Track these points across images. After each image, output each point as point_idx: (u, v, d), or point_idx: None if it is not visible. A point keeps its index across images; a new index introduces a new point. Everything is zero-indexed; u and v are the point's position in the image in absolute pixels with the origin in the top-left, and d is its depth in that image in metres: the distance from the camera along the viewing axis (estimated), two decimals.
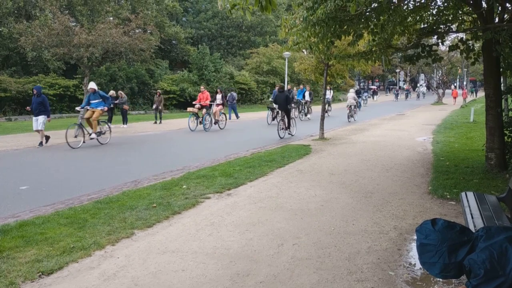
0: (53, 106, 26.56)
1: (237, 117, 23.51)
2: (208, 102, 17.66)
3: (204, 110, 17.36)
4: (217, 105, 18.38)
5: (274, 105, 17.37)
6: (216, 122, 17.85)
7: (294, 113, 19.84)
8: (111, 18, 27.10)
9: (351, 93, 22.01)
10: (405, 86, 59.09)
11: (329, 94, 24.83)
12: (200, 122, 16.90)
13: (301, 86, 24.90)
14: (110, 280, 3.60)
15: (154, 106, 21.47)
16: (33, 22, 20.93)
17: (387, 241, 4.44)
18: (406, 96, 50.93)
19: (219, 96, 19.17)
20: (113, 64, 25.03)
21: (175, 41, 40.30)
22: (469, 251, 2.60)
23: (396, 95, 49.67)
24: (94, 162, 9.99)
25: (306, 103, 23.64)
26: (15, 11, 28.16)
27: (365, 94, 39.18)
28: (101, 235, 4.59)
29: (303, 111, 23.41)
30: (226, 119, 18.70)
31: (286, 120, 14.52)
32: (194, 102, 18.31)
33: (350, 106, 21.24)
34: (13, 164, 9.66)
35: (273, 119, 18.85)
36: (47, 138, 12.22)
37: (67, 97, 27.27)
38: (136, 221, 5.09)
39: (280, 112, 15.52)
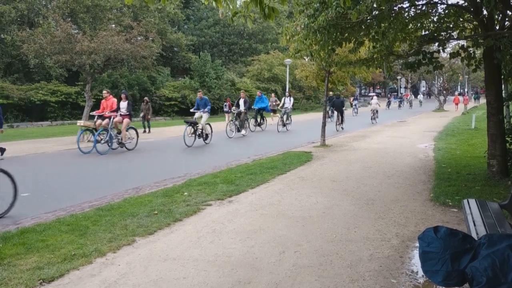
0: (55, 113, 26.74)
1: None
2: (111, 112, 12.72)
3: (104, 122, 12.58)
4: (122, 116, 12.84)
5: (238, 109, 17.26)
6: (120, 142, 12.71)
7: (247, 123, 18.38)
8: (113, 25, 27.29)
9: (375, 99, 26.58)
10: (406, 94, 55.61)
11: (288, 103, 20.58)
12: (99, 141, 12.29)
13: (258, 93, 21.08)
14: (111, 287, 3.59)
15: (141, 115, 20.22)
16: (36, 29, 21.07)
17: (389, 249, 4.43)
18: (399, 105, 46.89)
19: (124, 104, 13.24)
20: (115, 71, 25.12)
21: (177, 48, 40.48)
22: (471, 259, 2.59)
23: (388, 104, 45.71)
24: (95, 169, 9.99)
25: (285, 112, 20.12)
26: (18, 19, 28.35)
27: (355, 102, 34.96)
28: (102, 242, 4.58)
29: (280, 121, 19.72)
30: (137, 136, 13.58)
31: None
32: (96, 113, 12.99)
33: (373, 110, 25.21)
34: (14, 171, 9.64)
35: (195, 135, 14.22)
36: (2, 150, 10.46)
37: (68, 104, 27.42)
38: (138, 228, 5.08)
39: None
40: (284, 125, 19.78)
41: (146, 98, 21.26)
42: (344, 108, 21.07)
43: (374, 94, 39.26)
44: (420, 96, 53.33)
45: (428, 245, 2.78)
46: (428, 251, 2.74)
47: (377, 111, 25.58)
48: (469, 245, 2.70)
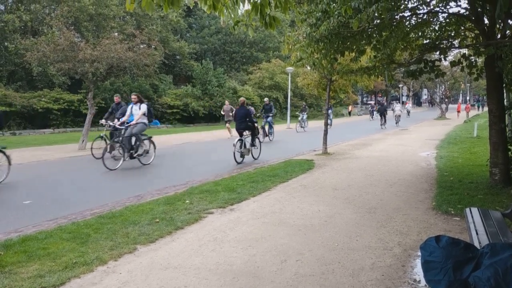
0: (57, 121, 26.83)
1: None
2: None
3: None
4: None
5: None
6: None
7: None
8: (116, 33, 27.38)
9: (398, 106, 32.53)
10: (405, 102, 52.68)
11: (270, 112, 20.02)
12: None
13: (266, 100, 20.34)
14: None
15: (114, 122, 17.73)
16: (40, 38, 21.20)
17: (391, 258, 4.41)
18: (371, 116, 39.61)
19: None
20: (118, 79, 25.24)
21: (179, 56, 40.66)
22: (474, 268, 2.58)
23: (372, 113, 39.65)
24: (97, 176, 9.99)
25: (266, 122, 19.37)
26: (22, 27, 28.55)
27: (330, 110, 23.78)
28: (103, 250, 4.58)
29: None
30: None
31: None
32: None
33: (397, 116, 30.86)
34: (16, 178, 9.68)
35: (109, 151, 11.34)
36: None
37: (71, 111, 27.50)
38: (139, 236, 5.07)
39: None
40: (266, 135, 18.47)
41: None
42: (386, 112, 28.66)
43: (396, 101, 41.26)
44: (409, 106, 46.03)
45: (430, 254, 2.77)
46: (430, 261, 2.73)
47: (399, 116, 31.08)
48: (472, 254, 2.69)
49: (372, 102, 40.82)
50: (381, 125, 27.54)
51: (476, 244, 3.44)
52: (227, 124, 20.76)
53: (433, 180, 8.76)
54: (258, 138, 13.02)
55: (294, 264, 4.24)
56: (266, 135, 18.56)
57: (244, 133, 12.34)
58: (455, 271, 2.58)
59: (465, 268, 2.59)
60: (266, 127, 18.83)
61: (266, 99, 21.90)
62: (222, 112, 21.83)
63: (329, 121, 20.12)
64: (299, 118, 25.79)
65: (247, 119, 12.29)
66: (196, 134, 23.82)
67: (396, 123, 30.20)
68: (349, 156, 13.02)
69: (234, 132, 15.73)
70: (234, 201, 6.91)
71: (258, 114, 20.31)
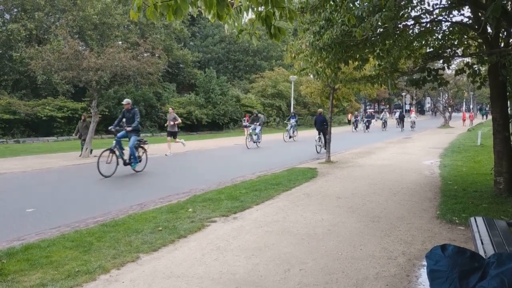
0: (61, 129, 26.96)
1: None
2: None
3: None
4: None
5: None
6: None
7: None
8: (120, 42, 27.60)
9: (413, 113, 39.51)
10: (410, 111, 52.31)
11: (259, 122, 20.54)
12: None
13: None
14: None
15: (77, 135, 16.58)
16: (44, 46, 21.37)
17: (395, 267, 4.37)
18: (367, 126, 34.31)
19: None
20: (121, 87, 25.31)
21: (183, 65, 40.86)
22: (480, 278, 2.56)
23: (355, 124, 35.26)
24: (100, 185, 10.00)
25: (254, 129, 20.13)
26: (27, 36, 28.78)
27: (293, 120, 24.39)
28: (106, 258, 4.56)
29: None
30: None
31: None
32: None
33: (412, 122, 36.01)
34: (20, 186, 9.71)
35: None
36: None
37: (75, 119, 27.61)
38: (142, 244, 5.05)
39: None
40: (254, 141, 19.85)
41: (84, 114, 17.62)
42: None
43: (412, 109, 45.93)
44: (413, 116, 39.12)
45: (436, 263, 2.74)
46: (436, 270, 2.70)
47: (414, 122, 36.07)
48: (478, 263, 2.67)
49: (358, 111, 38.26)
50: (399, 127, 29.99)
51: (482, 253, 3.41)
52: (168, 138, 17.22)
53: (437, 189, 8.72)
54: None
55: (298, 273, 4.22)
56: (254, 142, 19.82)
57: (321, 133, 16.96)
58: (461, 280, 2.56)
59: (471, 277, 2.56)
60: (254, 136, 19.84)
61: (255, 111, 22.62)
62: (168, 123, 17.48)
63: (289, 133, 20.07)
64: (287, 127, 24.12)
65: (324, 123, 16.33)
66: (199, 142, 23.83)
67: (411, 127, 34.96)
68: (352, 164, 12.99)
69: (176, 146, 17.65)
70: (237, 210, 6.89)
71: (244, 124, 21.60)
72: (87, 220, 6.45)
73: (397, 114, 38.83)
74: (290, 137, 23.48)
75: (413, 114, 40.89)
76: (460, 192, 8.08)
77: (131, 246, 4.99)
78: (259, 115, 22.02)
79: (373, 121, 39.27)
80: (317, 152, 16.87)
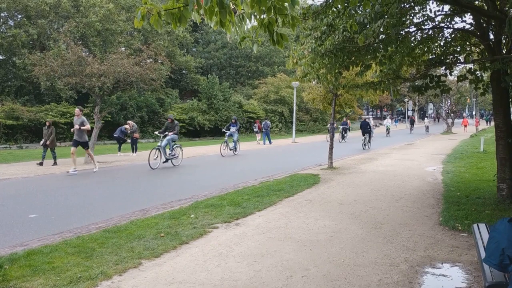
0: (64, 134, 27.04)
1: (270, 142, 26.93)
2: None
3: None
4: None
5: None
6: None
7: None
8: (123, 48, 27.72)
9: (427, 119, 46.79)
10: (412, 116, 51.66)
11: (234, 129, 19.99)
12: None
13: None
14: None
15: (41, 142, 15.68)
16: (47, 52, 21.50)
17: (398, 274, 4.35)
18: (342, 136, 28.71)
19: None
20: (124, 93, 25.45)
21: (185, 71, 41.01)
22: None
23: (332, 131, 16.18)
24: (103, 190, 10.01)
25: (231, 134, 19.79)
26: (30, 42, 28.96)
27: (233, 128, 20.26)
28: (108, 264, 4.56)
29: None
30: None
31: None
32: None
33: (426, 126, 41.90)
34: (23, 192, 9.72)
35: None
36: None
37: None
38: (144, 250, 5.05)
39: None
40: (230, 149, 19.55)
41: (48, 120, 16.41)
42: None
43: (427, 115, 51.16)
44: (388, 122, 38.09)
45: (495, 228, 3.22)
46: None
47: (428, 127, 41.67)
48: None
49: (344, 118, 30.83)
50: (363, 145, 22.65)
51: None
52: (73, 149, 12.91)
53: (440, 195, 8.70)
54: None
55: (300, 280, 4.20)
56: (230, 149, 19.51)
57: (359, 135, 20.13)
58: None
59: None
60: (231, 144, 19.60)
61: (234, 116, 21.92)
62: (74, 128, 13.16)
63: (228, 145, 18.98)
64: (225, 138, 19.67)
65: (368, 127, 22.93)
66: (202, 148, 23.86)
67: (426, 131, 40.41)
68: (354, 170, 12.97)
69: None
70: (239, 216, 6.88)
71: (223, 130, 21.18)
72: (90, 226, 6.46)
73: (387, 121, 39.00)
74: (230, 149, 19.56)
75: (387, 121, 38.07)
76: (463, 199, 8.06)
77: (133, 252, 4.99)
78: (266, 121, 25.03)
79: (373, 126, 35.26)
80: (363, 149, 21.85)
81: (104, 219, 6.92)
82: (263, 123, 27.82)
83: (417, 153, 18.90)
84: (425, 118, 50.00)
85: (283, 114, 41.45)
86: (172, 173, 13.15)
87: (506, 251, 2.88)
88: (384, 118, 53.99)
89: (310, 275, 4.32)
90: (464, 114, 62.08)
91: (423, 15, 7.70)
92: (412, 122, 43.43)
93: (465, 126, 43.12)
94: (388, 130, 36.49)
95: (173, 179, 12.01)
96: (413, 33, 7.95)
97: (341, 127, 29.00)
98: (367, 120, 24.56)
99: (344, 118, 30.34)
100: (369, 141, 22.76)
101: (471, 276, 4.29)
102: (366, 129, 22.79)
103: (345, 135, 29.06)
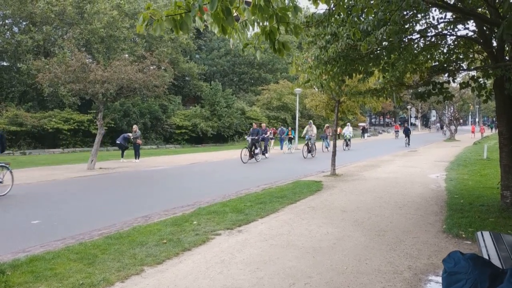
0: (67, 141, 27.14)
1: (281, 149, 27.34)
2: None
3: None
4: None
5: None
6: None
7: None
8: (127, 55, 27.83)
9: (438, 125, 49.71)
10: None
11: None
12: None
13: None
14: None
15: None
16: (51, 59, 21.62)
17: (401, 282, 4.33)
18: (309, 149, 21.63)
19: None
20: (127, 100, 25.54)
21: (188, 77, 41.13)
22: (499, 283, 2.60)
23: (334, 138, 14.61)
24: (106, 196, 10.01)
25: None
26: (34, 48, 29.12)
27: (282, 129, 23.40)
28: (110, 271, 4.55)
29: None
30: None
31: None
32: None
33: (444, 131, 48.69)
34: (25, 198, 9.73)
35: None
36: None
37: (80, 131, 27.82)
38: (146, 257, 5.04)
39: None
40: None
41: None
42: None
43: (439, 120, 54.06)
44: (347, 131, 28.91)
45: (455, 265, 2.77)
46: (455, 272, 2.76)
47: (444, 131, 48.22)
48: (495, 271, 2.69)
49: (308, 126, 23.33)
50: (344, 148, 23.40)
51: None
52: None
53: (443, 203, 8.66)
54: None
55: (303, 287, 4.18)
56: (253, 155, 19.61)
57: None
58: (482, 282, 2.56)
59: (491, 281, 2.58)
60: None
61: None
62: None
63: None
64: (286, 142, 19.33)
65: (408, 131, 30.30)
66: (204, 154, 23.87)
67: (443, 134, 47.83)
68: (357, 177, 12.94)
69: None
70: (242, 223, 6.86)
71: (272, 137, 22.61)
72: (92, 232, 6.45)
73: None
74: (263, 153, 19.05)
75: (346, 129, 28.81)
76: (467, 206, 8.02)
77: (136, 258, 4.98)
78: (282, 127, 25.72)
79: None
80: (405, 147, 27.84)
81: (106, 226, 6.91)
82: (279, 129, 28.67)
83: (420, 160, 18.85)
84: (437, 123, 52.92)
85: (286, 121, 41.46)
86: (175, 179, 13.14)
87: None
88: (387, 125, 53.99)
89: (313, 283, 4.29)
90: (469, 121, 63.00)
91: (426, 23, 7.70)
92: (407, 133, 30.97)
93: (473, 132, 45.75)
94: (347, 141, 28.31)
95: (175, 185, 12.00)
96: (416, 40, 7.95)
97: (321, 136, 27.60)
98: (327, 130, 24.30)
99: (348, 124, 29.91)
100: (408, 143, 30.26)
101: None
102: (407, 131, 30.86)
103: (349, 143, 28.42)
